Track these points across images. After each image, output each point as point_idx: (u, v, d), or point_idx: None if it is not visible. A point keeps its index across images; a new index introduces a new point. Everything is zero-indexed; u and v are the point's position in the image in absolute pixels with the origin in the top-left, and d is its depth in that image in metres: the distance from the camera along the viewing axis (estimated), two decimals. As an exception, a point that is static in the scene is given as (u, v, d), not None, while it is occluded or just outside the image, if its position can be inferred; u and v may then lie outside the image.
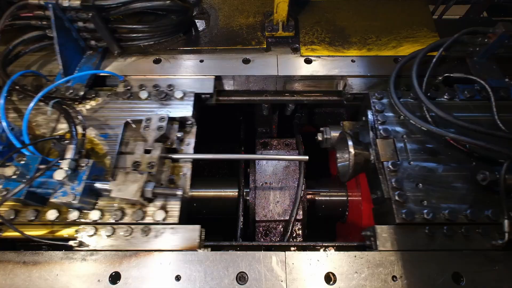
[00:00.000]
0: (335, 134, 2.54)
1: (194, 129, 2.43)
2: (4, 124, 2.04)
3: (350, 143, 2.20)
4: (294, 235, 2.66)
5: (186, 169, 2.25)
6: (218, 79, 2.62)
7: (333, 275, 1.83)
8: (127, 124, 2.36)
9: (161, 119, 2.27)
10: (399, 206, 2.01)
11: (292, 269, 1.84)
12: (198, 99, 2.52)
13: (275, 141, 3.03)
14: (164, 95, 2.43)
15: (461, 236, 1.95)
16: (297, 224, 2.66)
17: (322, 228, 3.27)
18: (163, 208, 2.03)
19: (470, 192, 2.07)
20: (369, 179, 2.42)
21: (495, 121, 2.26)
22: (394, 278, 1.81)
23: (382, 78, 2.57)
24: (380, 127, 2.29)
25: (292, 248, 2.06)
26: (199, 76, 2.60)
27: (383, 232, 1.96)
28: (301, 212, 2.66)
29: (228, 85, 2.68)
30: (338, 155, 2.46)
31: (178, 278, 1.82)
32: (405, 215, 1.96)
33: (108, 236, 1.94)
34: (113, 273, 1.83)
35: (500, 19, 3.10)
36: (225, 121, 3.61)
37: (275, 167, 2.83)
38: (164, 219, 1.98)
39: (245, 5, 3.09)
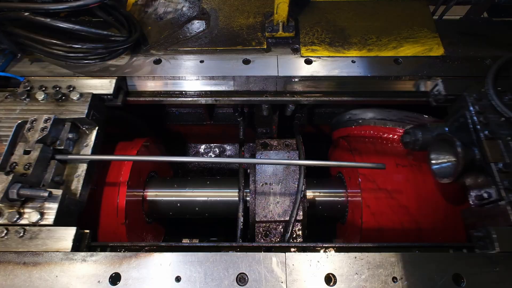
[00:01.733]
0: (425, 135, 2.51)
1: (94, 131, 2.42)
2: None
3: (458, 143, 2.18)
4: (294, 235, 2.66)
5: (81, 170, 2.24)
6: (122, 80, 2.61)
7: (334, 276, 1.83)
8: (20, 126, 2.30)
9: (47, 120, 2.23)
10: None
11: (292, 270, 1.84)
12: (98, 99, 2.51)
13: (275, 142, 3.03)
14: (60, 96, 2.40)
15: None
16: (297, 224, 2.66)
17: (322, 228, 3.27)
18: (40, 209, 2.00)
19: None
20: (470, 180, 2.38)
21: None
22: (394, 279, 1.81)
23: (476, 79, 2.54)
24: (484, 128, 2.27)
25: (292, 249, 2.06)
26: (100, 78, 2.57)
27: (500, 233, 1.94)
28: (301, 213, 2.66)
29: (228, 86, 2.68)
30: (433, 156, 2.43)
31: (178, 279, 1.82)
32: None
33: None
34: (113, 274, 1.83)
35: (500, 20, 3.11)
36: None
37: (275, 167, 2.83)
38: (38, 221, 1.96)
39: (245, 6, 3.09)
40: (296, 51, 2.76)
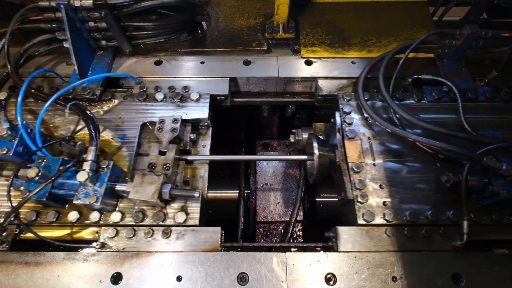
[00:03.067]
0: (306, 136, 2.53)
1: (209, 131, 2.44)
2: (20, 126, 2.05)
3: (315, 144, 2.20)
4: (294, 236, 2.67)
5: (203, 171, 2.26)
6: (232, 81, 2.63)
7: (334, 275, 1.84)
8: (143, 126, 2.36)
9: (175, 120, 2.27)
10: (361, 207, 2.03)
11: (292, 270, 1.85)
12: (214, 100, 2.53)
13: (275, 142, 3.04)
14: (180, 97, 2.43)
15: (422, 237, 1.96)
16: (298, 225, 2.68)
17: (322, 229, 3.27)
18: (184, 210, 2.03)
19: (433, 194, 2.09)
20: (335, 180, 2.43)
21: (461, 123, 2.27)
22: (394, 279, 1.82)
23: (353, 80, 2.58)
24: (347, 128, 2.30)
25: (293, 249, 2.07)
26: (214, 78, 2.60)
27: (345, 233, 1.98)
28: (301, 213, 2.67)
29: (233, 86, 2.69)
30: (306, 156, 2.45)
31: (179, 278, 1.83)
32: (366, 216, 1.99)
33: (129, 238, 1.95)
34: (115, 274, 1.84)
35: (500, 21, 3.12)
36: (227, 123, 3.61)
37: (275, 168, 2.84)
38: (185, 221, 1.99)
39: (246, 7, 3.11)
40: (296, 52, 2.77)
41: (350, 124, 2.32)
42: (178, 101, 2.43)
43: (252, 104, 2.78)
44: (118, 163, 2.16)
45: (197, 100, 2.44)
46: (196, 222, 2.00)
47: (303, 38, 2.85)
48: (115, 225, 1.99)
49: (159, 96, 2.44)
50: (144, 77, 2.60)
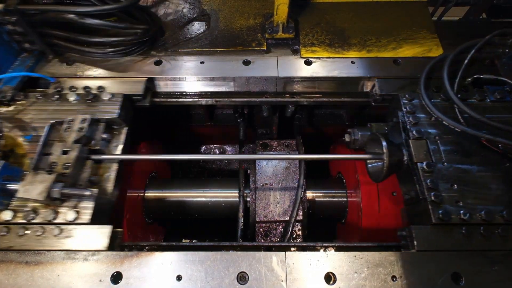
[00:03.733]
0: (363, 135, 2.54)
1: (124, 131, 2.44)
2: None
3: (384, 143, 2.20)
4: (294, 235, 2.67)
5: (112, 170, 2.26)
6: (150, 81, 2.64)
7: (333, 275, 1.84)
8: (52, 126, 2.33)
9: (83, 120, 2.27)
10: (435, 206, 2.01)
11: (292, 269, 1.86)
12: (128, 100, 2.53)
13: (275, 142, 3.05)
14: (92, 96, 2.43)
15: (498, 237, 1.95)
16: (297, 225, 2.67)
17: (322, 229, 3.28)
18: (76, 208, 2.02)
19: (505, 193, 2.07)
20: (400, 180, 2.42)
21: None
22: (393, 278, 1.82)
23: (411, 80, 2.58)
24: (412, 128, 2.29)
25: (292, 249, 2.07)
26: (130, 78, 2.61)
27: (420, 232, 1.97)
28: (301, 213, 2.67)
29: (228, 86, 2.69)
30: (369, 155, 2.43)
31: (179, 278, 1.83)
32: (441, 215, 1.96)
33: (20, 236, 1.94)
34: (115, 273, 1.84)
35: (499, 21, 3.13)
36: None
37: (275, 168, 2.85)
38: (75, 219, 1.98)
39: (246, 7, 3.11)
40: (296, 52, 2.78)
41: (415, 124, 2.31)
42: (90, 101, 2.43)
43: (250, 103, 2.78)
44: (22, 162, 2.18)
45: (109, 100, 2.44)
46: (87, 220, 1.99)
47: (302, 38, 2.86)
48: (6, 223, 1.98)
49: (72, 96, 2.44)
50: (61, 78, 2.60)
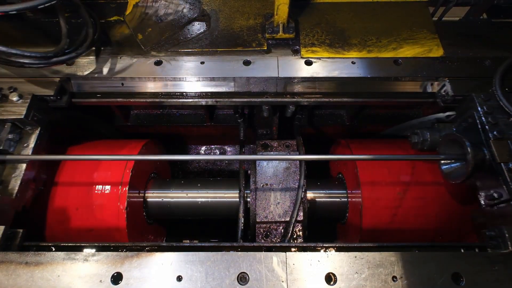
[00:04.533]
0: (433, 135, 2.54)
1: (36, 131, 2.44)
2: None
3: (468, 144, 2.20)
4: (294, 236, 2.67)
5: (19, 171, 2.27)
6: (66, 81, 2.62)
7: (334, 275, 1.84)
8: None
9: None
10: None
11: (292, 270, 1.85)
12: (42, 100, 2.52)
13: (276, 143, 3.04)
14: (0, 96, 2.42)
15: None
16: (298, 225, 2.67)
17: (322, 229, 3.28)
18: None
19: None
20: (481, 181, 2.37)
21: None
22: (394, 278, 1.82)
23: (482, 80, 2.57)
24: (492, 128, 2.28)
25: (293, 249, 2.07)
26: (41, 79, 2.58)
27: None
28: (301, 214, 2.67)
29: (229, 87, 2.69)
30: (443, 156, 2.43)
31: (179, 278, 1.83)
32: None
33: None
34: (115, 274, 1.84)
35: (500, 21, 3.12)
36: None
37: (275, 168, 2.84)
38: None
39: (246, 7, 3.11)
40: (296, 52, 2.77)
41: (494, 124, 2.30)
42: None
43: (251, 104, 2.78)
44: None
45: (17, 100, 2.42)
46: None
47: (303, 38, 2.86)
48: None
49: None
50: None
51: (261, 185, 2.78)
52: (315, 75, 2.61)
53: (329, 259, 1.89)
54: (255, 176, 2.81)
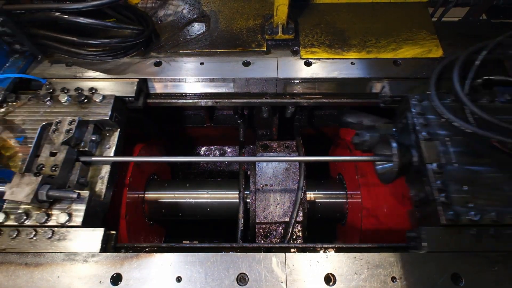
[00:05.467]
0: (372, 136, 2.53)
1: (116, 132, 2.45)
2: None
3: (394, 145, 2.20)
4: (294, 237, 2.67)
5: (104, 172, 2.27)
6: (143, 82, 2.63)
7: (333, 276, 1.84)
8: (44, 128, 2.34)
9: (71, 122, 2.26)
10: (445, 207, 2.00)
11: (292, 270, 1.85)
12: (120, 102, 2.53)
13: (275, 144, 3.05)
14: (83, 98, 2.43)
15: (509, 238, 1.95)
16: (297, 226, 2.67)
17: (322, 230, 3.28)
18: (68, 211, 2.02)
19: None
20: (410, 181, 2.41)
21: None
22: (393, 279, 1.82)
23: (421, 81, 2.58)
24: (422, 129, 2.29)
25: (292, 250, 2.07)
26: (122, 79, 2.60)
27: (430, 233, 1.97)
28: (301, 214, 2.67)
29: (228, 88, 2.69)
30: (379, 157, 2.42)
31: (179, 279, 1.83)
32: (451, 216, 1.96)
33: (13, 238, 1.94)
34: (115, 275, 1.84)
35: (499, 21, 3.12)
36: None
37: (275, 169, 2.84)
38: (67, 222, 1.98)
39: (245, 8, 3.11)
40: (295, 53, 2.78)
41: (425, 125, 2.31)
42: (82, 103, 2.43)
43: (250, 105, 2.79)
44: (13, 165, 2.18)
45: (101, 102, 2.44)
46: (79, 223, 1.99)
47: (302, 39, 2.86)
48: None
49: (63, 97, 2.43)
50: (53, 79, 2.59)
51: (261, 185, 2.78)
52: (314, 76, 2.61)
53: (329, 260, 1.89)
54: (255, 177, 2.81)
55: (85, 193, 2.05)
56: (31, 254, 1.89)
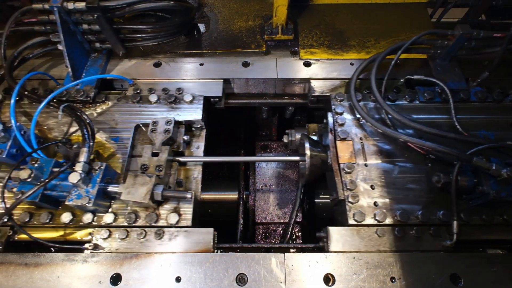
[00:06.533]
0: (300, 137, 2.52)
1: (203, 132, 2.46)
2: (14, 127, 2.06)
3: (306, 145, 2.20)
4: (293, 237, 2.67)
5: (197, 172, 2.27)
6: (226, 82, 2.63)
7: (332, 276, 1.85)
8: (137, 128, 2.38)
9: (168, 122, 2.27)
10: (352, 207, 2.03)
11: (291, 271, 1.86)
12: (207, 102, 2.54)
13: (275, 144, 3.05)
14: (173, 98, 2.44)
15: (412, 237, 1.97)
16: (297, 226, 2.68)
17: (321, 230, 3.28)
18: (176, 211, 2.04)
19: (424, 194, 2.10)
20: (328, 181, 2.42)
21: (453, 123, 2.27)
22: (392, 279, 1.83)
23: (345, 81, 2.59)
24: (339, 129, 2.31)
25: (292, 250, 2.07)
26: (208, 80, 2.61)
27: (335, 233, 1.99)
28: (300, 215, 2.68)
29: (228, 88, 2.69)
30: (299, 157, 2.42)
31: (178, 279, 1.83)
32: (356, 216, 1.99)
33: (122, 239, 1.96)
34: (114, 275, 1.84)
35: (498, 22, 3.13)
36: (226, 124, 3.61)
37: (274, 169, 2.85)
38: (177, 222, 2.00)
39: (245, 9, 3.12)
40: (295, 53, 2.78)
41: (342, 124, 2.33)
42: (171, 103, 2.44)
43: (250, 105, 2.79)
44: (112, 165, 2.18)
45: (191, 102, 2.45)
46: (189, 223, 2.01)
47: (302, 39, 2.86)
48: (108, 226, 2.00)
49: (153, 98, 2.45)
50: (140, 79, 2.61)
51: (261, 186, 2.79)
52: (314, 76, 2.61)
53: (328, 260, 1.89)
54: (254, 177, 2.82)
55: (190, 193, 2.04)
56: (31, 254, 1.89)
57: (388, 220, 2.00)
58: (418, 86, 2.51)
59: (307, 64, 2.69)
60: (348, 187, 2.08)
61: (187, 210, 2.05)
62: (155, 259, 1.89)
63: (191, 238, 1.97)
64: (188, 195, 2.00)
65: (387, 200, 2.06)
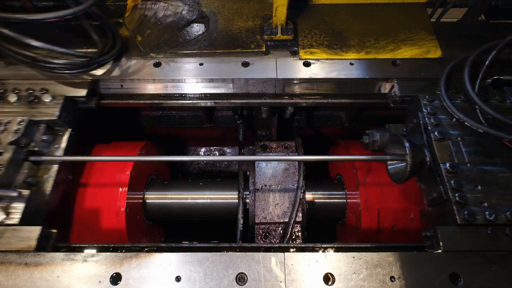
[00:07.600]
0: (382, 136, 2.54)
1: (67, 132, 2.45)
2: None
3: (407, 144, 2.20)
4: (293, 237, 2.67)
5: (52, 172, 2.28)
6: (95, 83, 2.63)
7: (332, 275, 1.85)
8: None
9: (20, 122, 2.27)
10: (460, 207, 2.00)
11: (291, 270, 1.86)
12: (72, 102, 2.54)
13: (275, 144, 3.05)
14: (32, 98, 2.43)
15: None
16: (297, 226, 2.68)
17: (321, 230, 3.28)
18: (6, 209, 2.02)
19: None
20: (422, 181, 2.39)
21: None
22: (392, 278, 1.83)
23: (429, 81, 2.57)
24: (434, 129, 2.29)
25: (291, 249, 2.07)
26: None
27: (445, 233, 1.97)
28: (300, 214, 2.68)
29: (227, 88, 2.70)
30: (389, 157, 2.42)
31: (178, 279, 1.84)
32: (467, 216, 1.96)
33: None
34: (114, 274, 1.84)
35: (498, 22, 3.13)
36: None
37: (274, 169, 2.85)
38: (4, 220, 1.98)
39: (244, 9, 3.12)
40: (294, 53, 2.78)
41: (437, 125, 2.31)
42: (31, 103, 2.43)
43: (252, 105, 2.80)
44: None
45: (50, 102, 2.44)
46: (16, 221, 1.99)
47: (301, 39, 2.86)
48: None
49: (12, 97, 2.43)
50: (8, 80, 2.57)
51: (260, 186, 2.79)
52: (313, 77, 2.62)
53: (328, 260, 1.90)
54: (254, 177, 2.82)
55: (25, 192, 2.05)
56: (30, 254, 1.89)
57: (499, 220, 1.97)
58: (507, 87, 2.49)
59: (306, 64, 2.69)
60: (454, 187, 2.05)
61: (18, 208, 2.03)
62: (155, 259, 1.90)
63: (17, 236, 1.95)
64: (13, 194, 1.99)
65: (493, 200, 2.04)
